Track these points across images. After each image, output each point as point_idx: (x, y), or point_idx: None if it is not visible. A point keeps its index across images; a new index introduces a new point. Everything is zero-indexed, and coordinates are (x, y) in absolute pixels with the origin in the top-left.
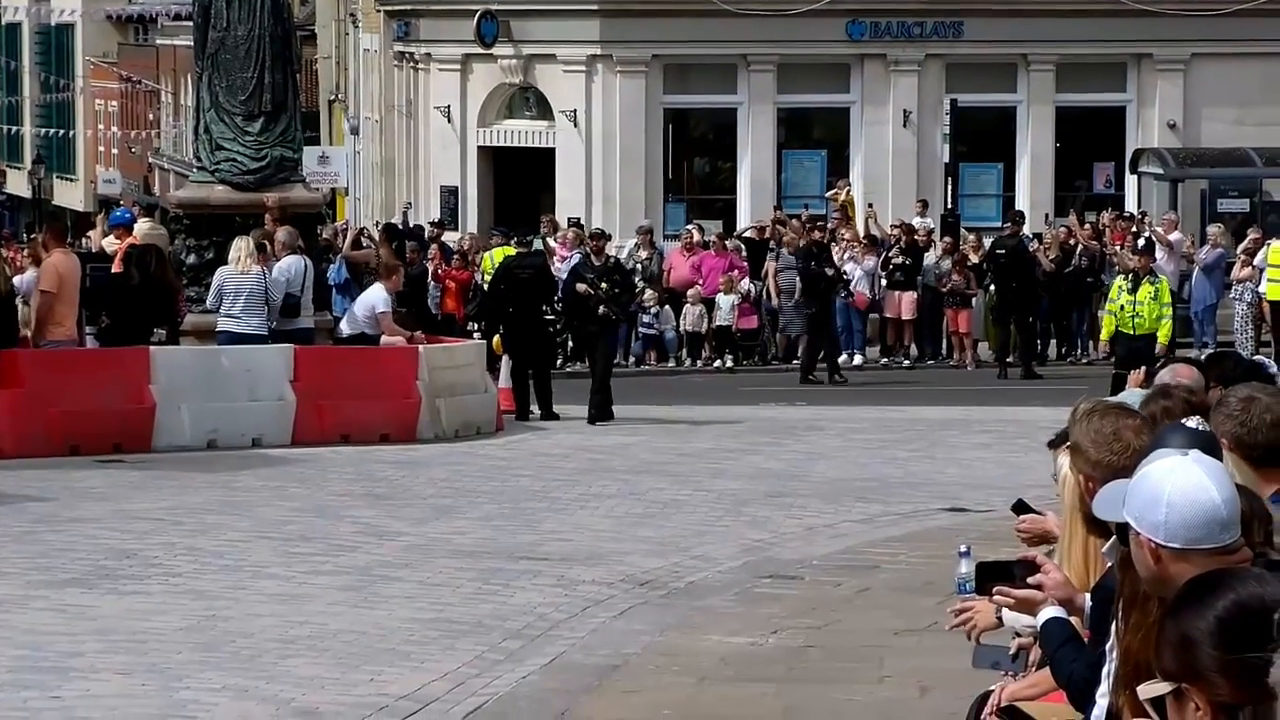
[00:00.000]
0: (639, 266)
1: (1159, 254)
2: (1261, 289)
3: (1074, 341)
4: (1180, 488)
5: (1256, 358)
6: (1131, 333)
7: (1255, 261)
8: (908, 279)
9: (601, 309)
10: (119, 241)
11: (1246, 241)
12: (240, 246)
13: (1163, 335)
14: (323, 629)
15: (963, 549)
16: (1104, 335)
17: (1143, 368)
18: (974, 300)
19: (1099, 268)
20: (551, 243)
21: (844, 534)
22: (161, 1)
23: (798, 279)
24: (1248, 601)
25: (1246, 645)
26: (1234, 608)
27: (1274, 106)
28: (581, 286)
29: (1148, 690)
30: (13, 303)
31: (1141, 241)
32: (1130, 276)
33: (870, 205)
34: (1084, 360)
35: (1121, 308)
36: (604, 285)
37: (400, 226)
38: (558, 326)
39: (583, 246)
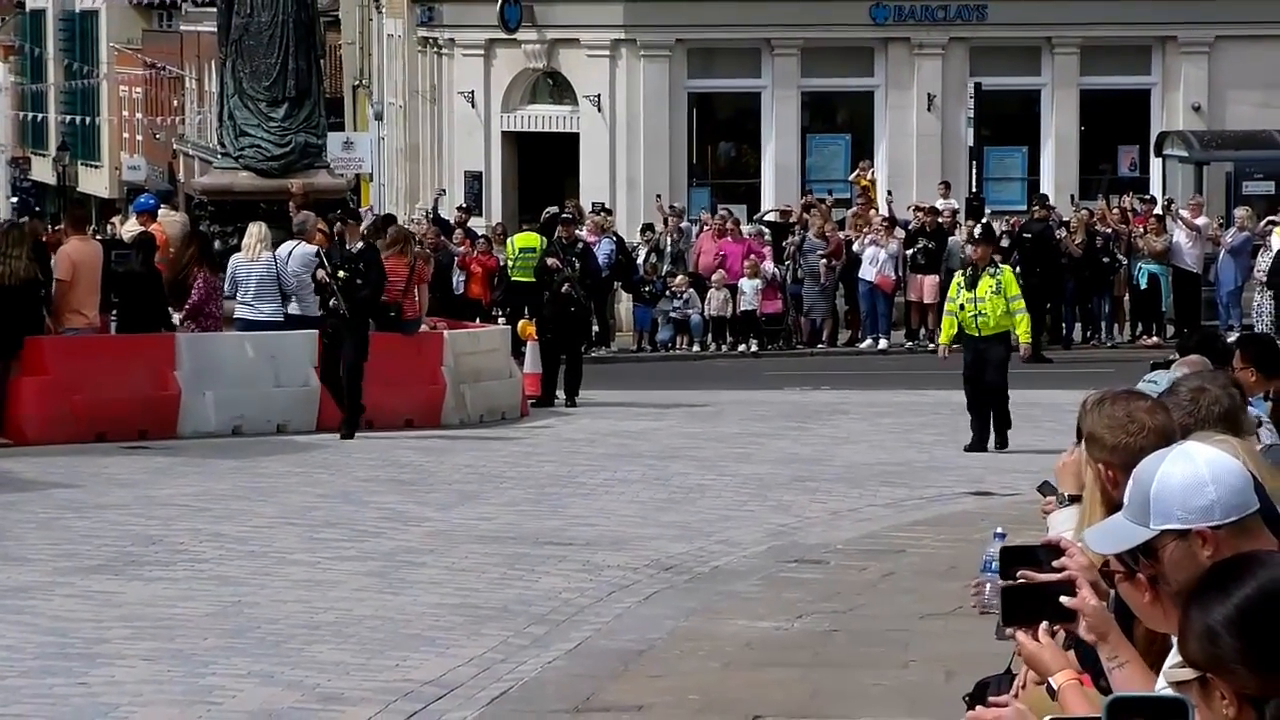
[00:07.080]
0: (668, 250)
1: (1182, 236)
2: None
3: (1098, 325)
4: (1212, 462)
5: None
6: (976, 333)
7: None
8: (929, 262)
9: (332, 301)
10: (141, 228)
11: (1263, 224)
12: (253, 233)
13: (1021, 333)
14: (348, 615)
15: (999, 531)
16: (943, 339)
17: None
18: None
19: (1126, 252)
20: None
21: (869, 518)
22: None
23: (821, 264)
24: (1270, 588)
25: (1271, 634)
26: (1257, 595)
27: None
28: (321, 274)
29: (1173, 675)
30: (37, 290)
31: (979, 231)
32: (967, 270)
33: (890, 193)
34: (1108, 344)
35: (961, 307)
36: (341, 274)
37: (431, 212)
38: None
39: (605, 234)
